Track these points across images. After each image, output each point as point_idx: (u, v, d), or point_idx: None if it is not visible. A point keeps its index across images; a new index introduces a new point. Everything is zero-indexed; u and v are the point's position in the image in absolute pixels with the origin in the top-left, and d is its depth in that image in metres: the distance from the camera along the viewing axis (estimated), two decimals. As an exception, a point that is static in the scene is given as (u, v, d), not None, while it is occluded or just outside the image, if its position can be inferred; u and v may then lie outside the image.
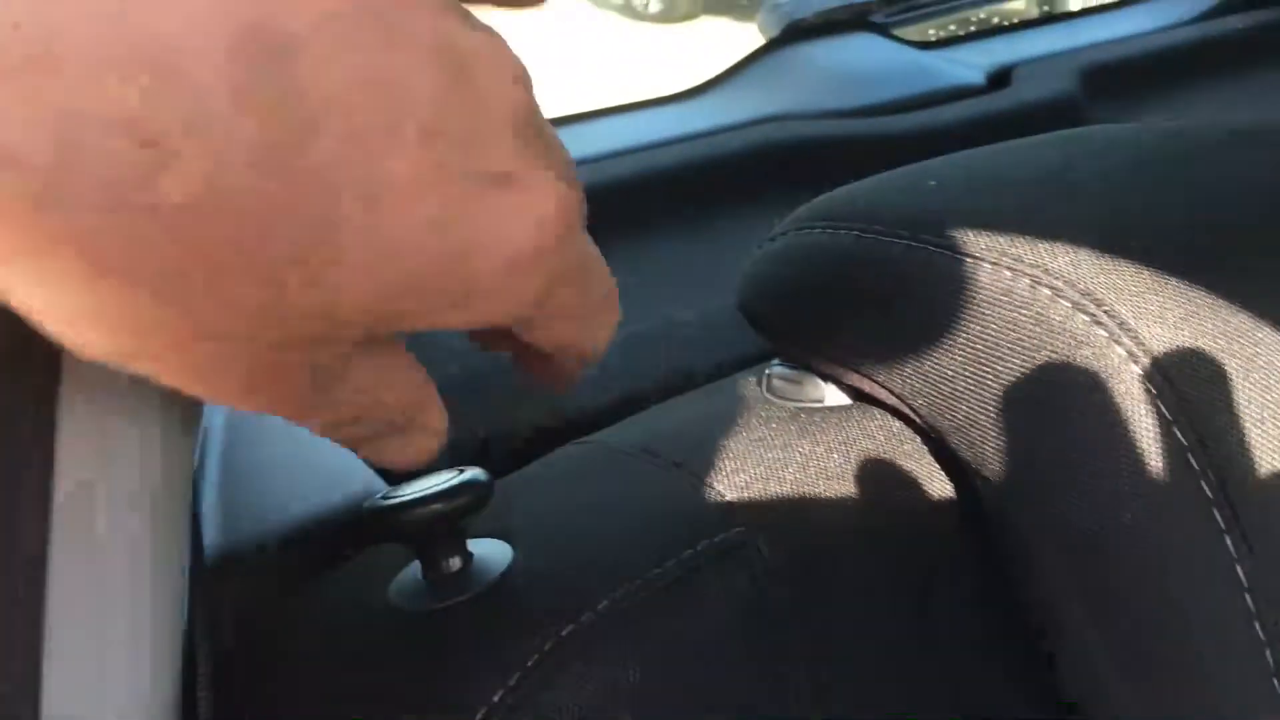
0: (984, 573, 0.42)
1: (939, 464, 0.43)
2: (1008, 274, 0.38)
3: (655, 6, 4.59)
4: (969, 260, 0.39)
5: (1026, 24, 1.23)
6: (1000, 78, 1.05)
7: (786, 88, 1.02)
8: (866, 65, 1.05)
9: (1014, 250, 0.38)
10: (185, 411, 0.30)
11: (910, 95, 1.00)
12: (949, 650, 0.41)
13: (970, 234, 0.39)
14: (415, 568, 0.39)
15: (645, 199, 0.82)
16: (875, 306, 0.42)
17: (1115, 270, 0.37)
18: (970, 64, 1.07)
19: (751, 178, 0.88)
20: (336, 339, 0.23)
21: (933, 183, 0.45)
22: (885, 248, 0.41)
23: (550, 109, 0.25)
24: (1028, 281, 0.37)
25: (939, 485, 0.43)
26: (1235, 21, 1.19)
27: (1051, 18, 1.23)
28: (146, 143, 0.18)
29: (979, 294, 0.38)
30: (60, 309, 0.20)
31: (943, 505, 0.42)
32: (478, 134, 0.22)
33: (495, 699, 0.34)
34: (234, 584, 0.43)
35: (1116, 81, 1.06)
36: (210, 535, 0.44)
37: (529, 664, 0.35)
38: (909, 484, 0.42)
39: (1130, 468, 0.35)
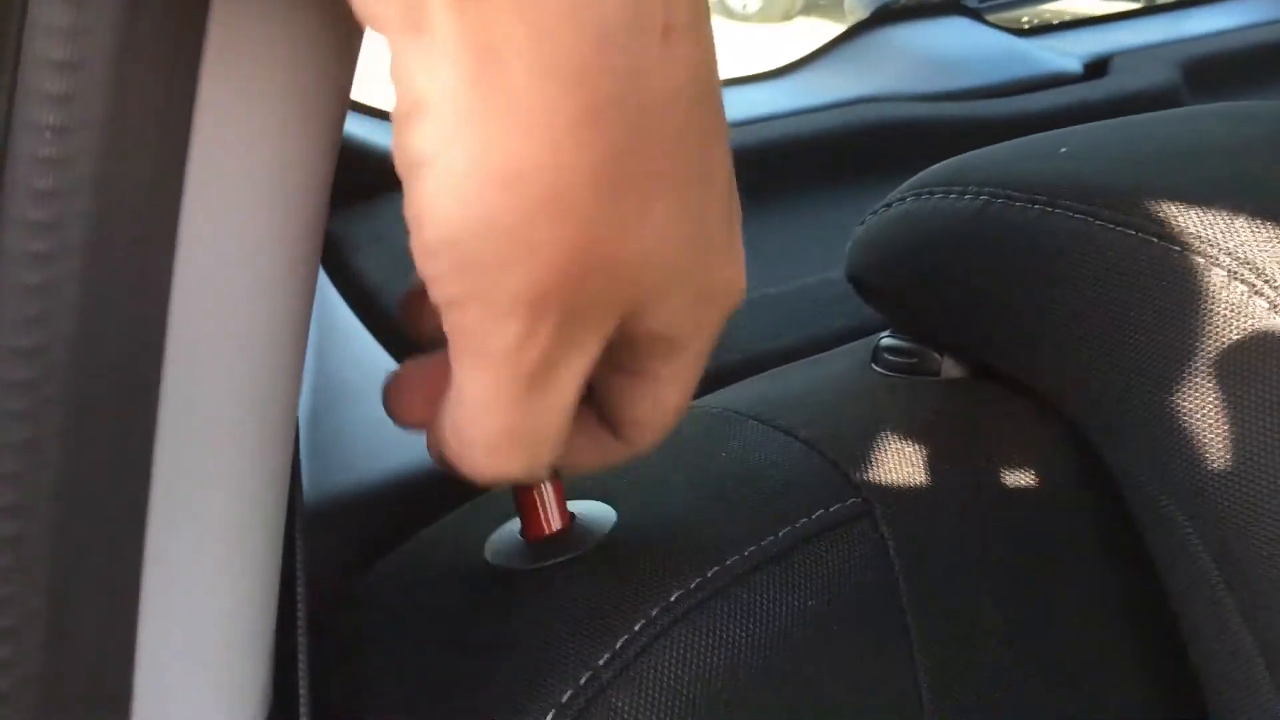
0: (1111, 556, 0.40)
1: (1064, 441, 0.40)
2: (1156, 242, 0.36)
3: (752, 6, 4.50)
4: (1113, 228, 0.37)
5: (1122, 15, 1.20)
6: (1098, 67, 1.02)
7: (876, 70, 1.00)
8: (959, 49, 1.02)
9: (1162, 217, 0.36)
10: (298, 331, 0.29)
11: (1004, 81, 0.98)
12: (1071, 633, 0.39)
13: (1114, 200, 0.37)
14: (513, 526, 0.38)
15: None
16: (1003, 275, 0.40)
17: (1273, 238, 0.34)
18: (1066, 52, 1.04)
19: (841, 158, 0.85)
20: (607, 294, 0.25)
21: (1064, 149, 0.42)
22: (1018, 213, 0.39)
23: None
24: (1179, 250, 0.35)
25: (1063, 463, 0.40)
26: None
27: (1150, 9, 1.20)
28: (669, 29, 0.22)
29: (1124, 263, 0.36)
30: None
31: (1068, 484, 0.40)
32: (729, 183, 0.26)
33: (600, 662, 0.32)
34: (326, 538, 0.42)
35: (1218, 75, 1.03)
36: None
37: (635, 629, 0.33)
38: (1032, 461, 0.40)
39: (1289, 448, 0.33)
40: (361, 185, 0.65)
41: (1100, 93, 0.95)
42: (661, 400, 0.30)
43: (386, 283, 0.61)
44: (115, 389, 0.24)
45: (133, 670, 0.26)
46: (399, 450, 0.47)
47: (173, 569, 0.26)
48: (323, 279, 0.62)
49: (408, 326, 0.33)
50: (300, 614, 0.31)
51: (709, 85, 0.24)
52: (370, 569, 0.41)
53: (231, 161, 0.25)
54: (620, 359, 0.29)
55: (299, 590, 0.31)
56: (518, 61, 0.21)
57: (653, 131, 0.23)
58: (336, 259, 0.64)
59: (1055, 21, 1.16)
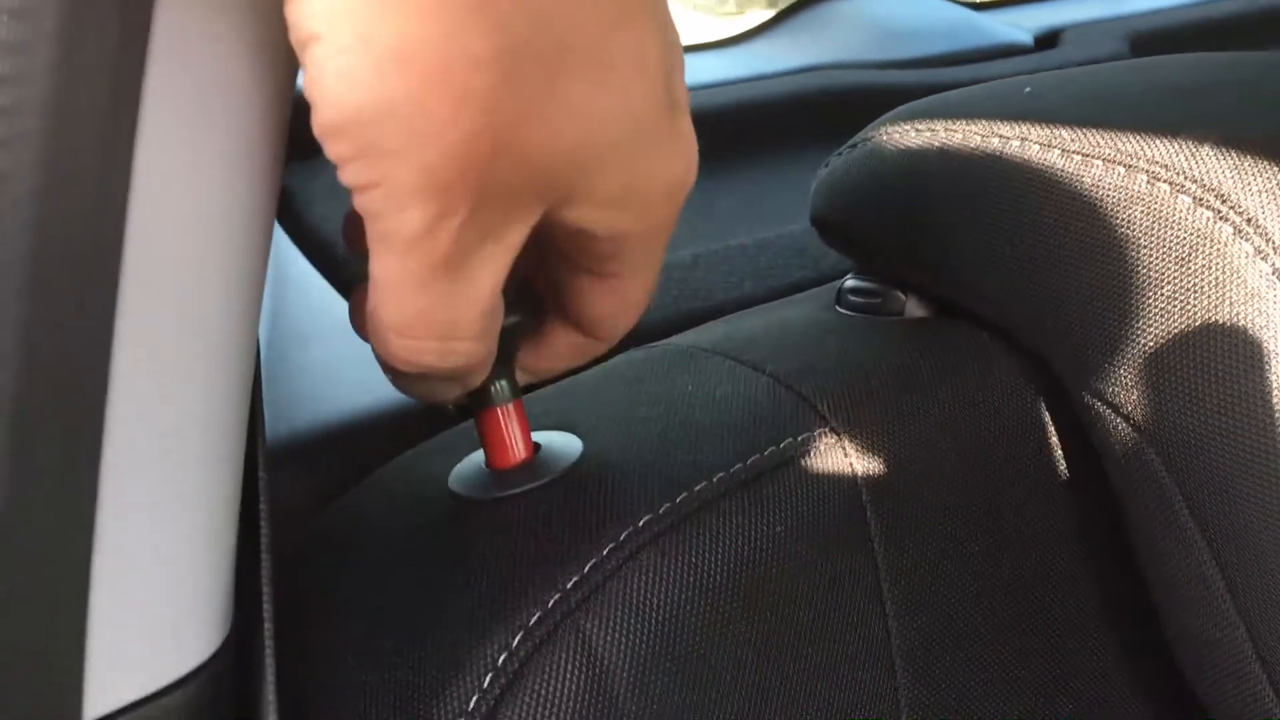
0: (1077, 486, 0.40)
1: (1028, 374, 0.41)
2: (1122, 170, 0.36)
3: (707, -6, 4.43)
4: (1079, 157, 0.37)
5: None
6: (1048, 39, 1.03)
7: (830, 39, 1.00)
8: (911, 19, 1.03)
9: (1129, 147, 0.36)
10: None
11: (956, 51, 0.98)
12: (1034, 559, 0.40)
13: (1080, 131, 0.37)
14: (477, 458, 0.37)
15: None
16: (970, 209, 0.40)
17: (1239, 165, 0.35)
18: (1018, 25, 1.05)
19: (797, 122, 0.85)
20: (518, 182, 0.24)
21: (1028, 90, 0.43)
22: (981, 146, 0.39)
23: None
24: (1145, 178, 0.35)
25: (1028, 396, 0.41)
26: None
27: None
28: None
29: (1090, 192, 0.36)
30: None
31: (1032, 417, 0.40)
32: (667, 67, 0.25)
33: (568, 585, 0.32)
34: (286, 477, 0.41)
35: (1165, 48, 1.04)
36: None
37: (604, 553, 0.33)
38: (996, 395, 0.40)
39: (1256, 371, 0.33)
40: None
41: (1050, 63, 0.96)
42: (625, 295, 0.30)
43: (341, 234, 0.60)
44: (71, 328, 0.23)
45: (88, 592, 0.25)
46: (358, 392, 0.46)
47: (131, 494, 0.26)
48: (280, 234, 0.61)
49: (349, 246, 0.33)
50: (263, 531, 0.30)
51: None
52: (332, 504, 0.40)
53: (186, 113, 0.24)
54: (577, 259, 0.29)
55: (262, 507, 0.30)
56: None
57: (557, 9, 0.22)
58: (293, 212, 0.63)
59: (1007, -5, 1.17)
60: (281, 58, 0.26)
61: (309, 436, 0.44)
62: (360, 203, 0.24)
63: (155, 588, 0.27)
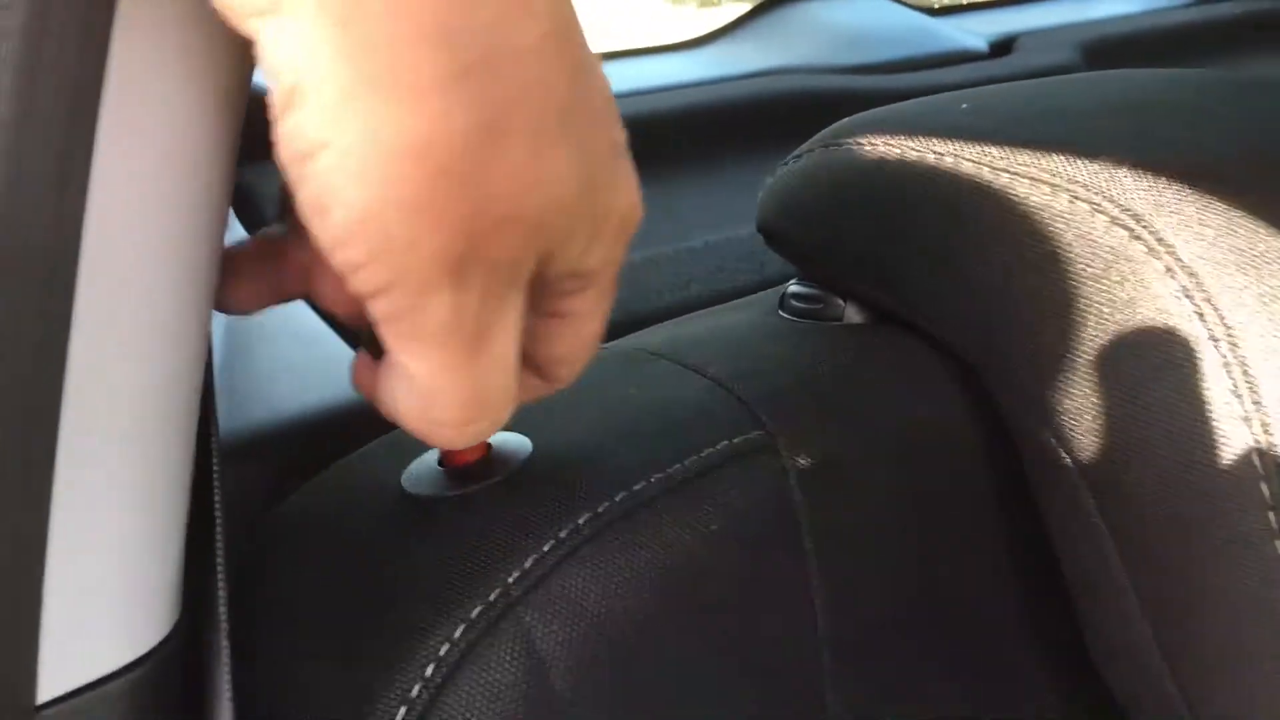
0: (1003, 492, 0.42)
1: (959, 382, 0.42)
2: (1046, 189, 0.38)
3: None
4: (1006, 175, 0.39)
5: (1028, -2, 1.23)
6: (1003, 46, 1.05)
7: (788, 44, 1.01)
8: (869, 25, 1.04)
9: (1052, 166, 0.38)
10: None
11: (912, 57, 1.00)
12: (961, 561, 0.41)
13: (1008, 150, 0.39)
14: (430, 456, 0.38)
15: (644, 143, 0.81)
16: (905, 222, 0.42)
17: (1154, 187, 0.37)
18: (974, 31, 1.07)
19: (753, 125, 0.87)
20: (519, 247, 0.25)
21: (965, 105, 0.44)
22: (921, 161, 0.41)
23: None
24: (1066, 197, 0.37)
25: (959, 403, 0.42)
26: (1229, 7, 1.20)
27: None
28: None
29: (1015, 209, 0.38)
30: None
31: (963, 423, 0.42)
32: (609, 112, 0.27)
33: (510, 580, 0.34)
34: (244, 470, 0.42)
35: (1116, 56, 1.07)
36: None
37: (545, 549, 0.34)
38: (929, 401, 0.42)
39: (1165, 383, 0.35)
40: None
41: (1004, 70, 0.98)
42: (582, 335, 0.31)
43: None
44: (29, 321, 0.24)
45: (43, 578, 0.26)
46: (312, 387, 0.47)
47: (84, 481, 0.27)
48: (241, 232, 0.62)
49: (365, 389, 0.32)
50: (217, 522, 0.31)
51: (571, 22, 0.25)
52: (286, 499, 0.41)
53: (142, 111, 0.25)
54: (537, 303, 0.30)
55: (215, 499, 0.31)
56: (378, 29, 0.21)
57: (529, 79, 0.23)
58: (252, 211, 0.64)
59: (965, 2, 1.19)
60: (234, 58, 0.27)
61: (264, 431, 0.45)
62: (380, 309, 0.24)
63: (107, 574, 0.28)
